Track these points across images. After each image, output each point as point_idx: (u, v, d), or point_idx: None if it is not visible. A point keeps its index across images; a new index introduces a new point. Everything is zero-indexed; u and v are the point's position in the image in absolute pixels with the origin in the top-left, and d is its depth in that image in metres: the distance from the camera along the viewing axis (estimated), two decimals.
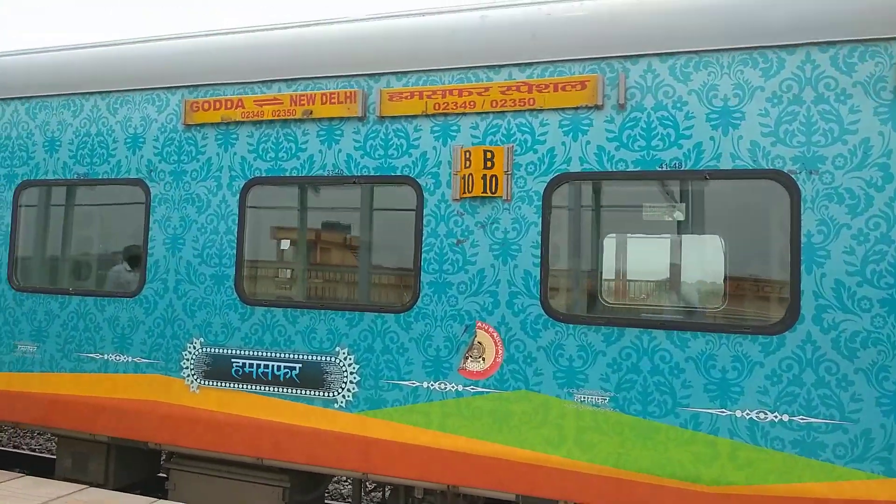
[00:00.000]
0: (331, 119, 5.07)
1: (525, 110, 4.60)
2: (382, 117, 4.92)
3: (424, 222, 4.76)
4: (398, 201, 4.99)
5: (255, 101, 5.27)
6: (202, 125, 5.44)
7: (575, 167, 4.48)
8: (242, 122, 5.31)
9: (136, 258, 5.71)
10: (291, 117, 5.14)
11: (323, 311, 5.00)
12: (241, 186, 5.27)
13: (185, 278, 5.38)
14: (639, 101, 4.39)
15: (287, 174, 5.16)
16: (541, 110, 4.57)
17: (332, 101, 5.05)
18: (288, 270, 5.84)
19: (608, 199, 4.90)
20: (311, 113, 5.09)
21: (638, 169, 4.35)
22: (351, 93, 5.00)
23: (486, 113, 4.68)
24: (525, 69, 4.64)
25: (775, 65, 4.15)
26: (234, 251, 5.25)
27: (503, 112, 4.65)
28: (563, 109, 4.53)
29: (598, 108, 4.45)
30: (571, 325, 4.41)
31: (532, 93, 4.58)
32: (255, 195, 5.33)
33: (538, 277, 4.48)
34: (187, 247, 5.39)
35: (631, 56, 4.42)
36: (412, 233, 4.80)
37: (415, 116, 4.86)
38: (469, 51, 4.77)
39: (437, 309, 4.71)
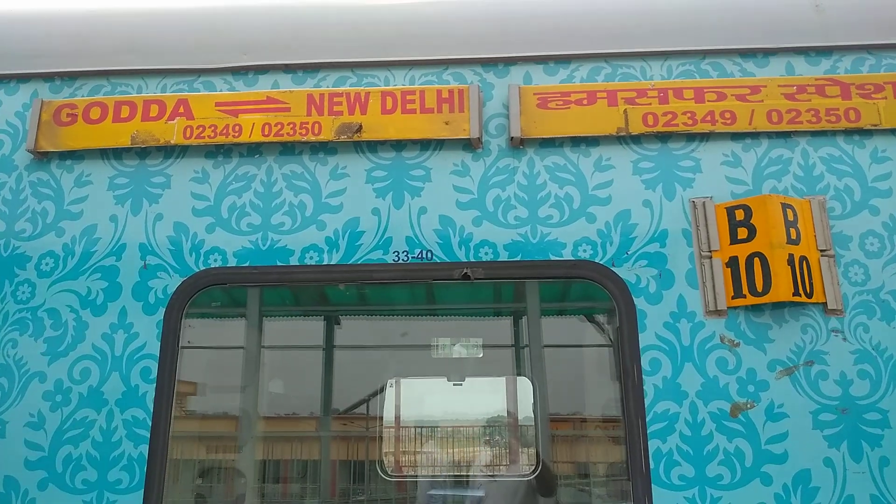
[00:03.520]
0: (402, 144, 2.38)
1: (838, 130, 2.29)
2: (522, 141, 2.33)
3: (646, 366, 2.10)
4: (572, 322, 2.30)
5: (218, 103, 2.42)
6: (78, 155, 2.43)
7: None
8: (184, 148, 2.41)
9: None
10: (309, 138, 2.36)
11: None
12: (171, 293, 2.26)
13: None
14: None
15: (292, 260, 2.28)
16: (871, 131, 2.29)
17: (408, 107, 2.38)
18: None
19: None
20: (359, 131, 2.36)
21: None
22: (451, 92, 2.38)
23: (756, 135, 2.30)
24: (817, 58, 2.39)
25: None
26: (146, 450, 2.12)
27: (790, 134, 2.30)
28: None
29: None
30: None
31: (851, 99, 2.31)
32: (200, 319, 2.34)
33: None
34: (11, 437, 2.16)
35: None
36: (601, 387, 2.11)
37: (597, 139, 2.34)
38: (702, 20, 2.45)
39: None
